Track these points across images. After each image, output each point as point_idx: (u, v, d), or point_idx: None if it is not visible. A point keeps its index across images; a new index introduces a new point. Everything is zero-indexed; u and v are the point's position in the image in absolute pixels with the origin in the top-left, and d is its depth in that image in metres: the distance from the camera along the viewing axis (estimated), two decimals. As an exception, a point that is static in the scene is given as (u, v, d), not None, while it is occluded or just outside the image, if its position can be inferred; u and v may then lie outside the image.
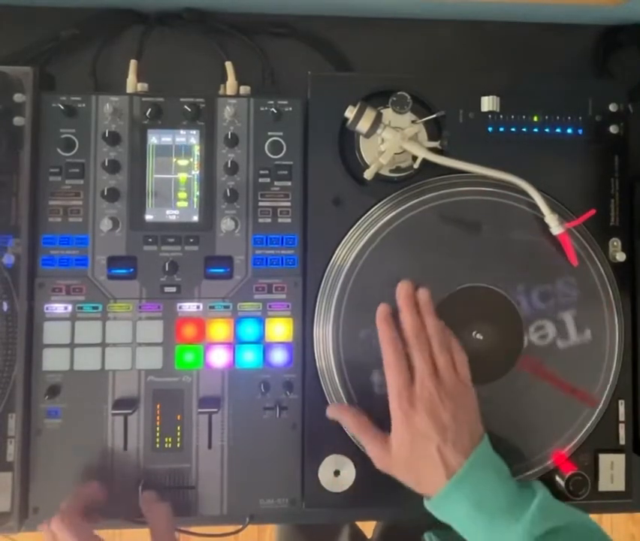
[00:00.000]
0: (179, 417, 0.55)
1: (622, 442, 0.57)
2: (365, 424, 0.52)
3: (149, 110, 0.56)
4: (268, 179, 0.57)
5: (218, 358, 0.55)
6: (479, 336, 0.55)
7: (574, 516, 0.49)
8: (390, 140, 0.54)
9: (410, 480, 0.51)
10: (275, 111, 0.56)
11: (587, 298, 0.56)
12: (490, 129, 0.58)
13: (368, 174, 0.54)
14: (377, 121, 0.53)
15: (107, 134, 0.55)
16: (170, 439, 0.55)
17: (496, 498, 0.47)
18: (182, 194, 0.56)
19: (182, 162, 0.57)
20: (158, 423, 0.55)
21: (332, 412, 0.54)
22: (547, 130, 0.58)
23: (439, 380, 0.50)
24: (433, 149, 0.55)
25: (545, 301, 0.56)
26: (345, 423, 0.53)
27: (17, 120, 0.55)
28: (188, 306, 0.56)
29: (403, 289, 0.54)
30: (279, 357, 0.56)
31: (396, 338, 0.52)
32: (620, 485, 0.56)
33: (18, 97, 0.55)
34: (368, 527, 0.91)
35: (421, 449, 0.49)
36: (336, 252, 0.56)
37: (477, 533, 0.48)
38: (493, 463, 0.50)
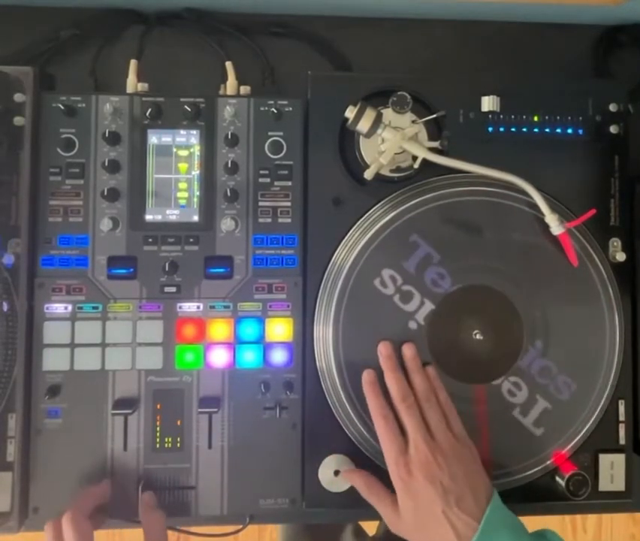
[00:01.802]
0: (179, 417, 0.55)
1: (622, 442, 0.57)
2: (376, 489, 0.52)
3: (149, 110, 0.56)
4: (268, 179, 0.57)
5: (219, 358, 0.55)
6: (479, 337, 0.55)
7: None
8: (391, 140, 0.54)
9: None
10: (275, 111, 0.56)
11: (587, 298, 0.56)
12: (490, 129, 0.58)
13: (368, 174, 0.54)
14: (377, 121, 0.53)
15: (107, 134, 0.55)
16: (170, 439, 0.55)
17: None
18: (182, 195, 0.56)
19: (182, 162, 0.57)
20: (158, 423, 0.55)
21: (345, 476, 0.54)
22: (547, 130, 0.58)
23: (434, 442, 0.49)
24: (433, 149, 0.55)
25: (541, 376, 0.56)
26: (356, 486, 0.53)
27: (17, 120, 0.55)
28: (188, 306, 0.56)
29: (383, 351, 0.54)
30: (279, 357, 0.56)
31: (384, 406, 0.51)
32: (620, 485, 0.56)
33: (18, 97, 0.55)
34: (371, 526, 0.91)
35: (427, 515, 0.48)
36: (336, 252, 0.56)
37: None
38: (506, 523, 0.48)
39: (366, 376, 0.53)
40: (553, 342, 0.56)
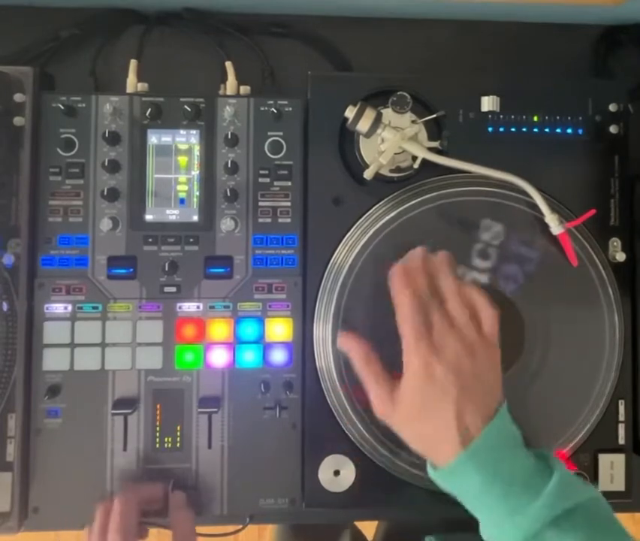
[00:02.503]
0: (179, 417, 0.55)
1: (622, 442, 0.57)
2: (373, 365, 0.47)
3: (149, 110, 0.56)
4: (268, 179, 0.57)
5: (218, 357, 0.55)
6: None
7: (590, 492, 0.45)
8: (390, 140, 0.54)
9: (415, 439, 0.46)
10: (275, 111, 0.56)
11: (587, 298, 0.56)
12: (490, 129, 0.58)
13: (368, 174, 0.54)
14: (377, 121, 0.53)
15: (107, 134, 0.55)
16: (170, 439, 0.55)
17: (515, 471, 0.42)
18: (182, 194, 0.56)
19: (182, 162, 0.57)
20: (158, 423, 0.55)
21: (342, 342, 0.49)
22: (547, 130, 0.58)
23: (461, 335, 0.45)
24: (433, 149, 0.55)
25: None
26: (352, 357, 0.48)
27: (17, 120, 0.55)
28: (188, 306, 0.56)
29: (415, 253, 0.49)
30: (279, 357, 0.56)
31: (413, 291, 0.46)
32: (620, 485, 0.56)
33: (18, 97, 0.55)
34: (369, 531, 0.91)
35: (435, 406, 0.44)
36: (336, 252, 0.56)
37: (491, 508, 0.43)
38: (511, 433, 0.45)
39: (397, 267, 0.48)
40: (552, 342, 0.56)
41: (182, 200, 0.56)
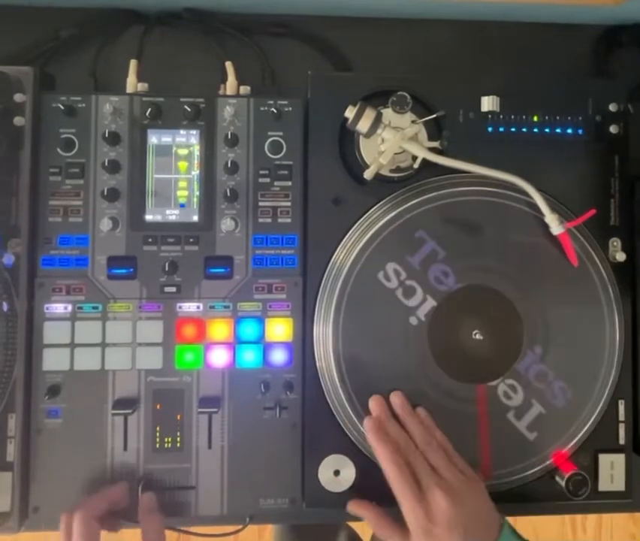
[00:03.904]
0: (179, 417, 0.55)
1: (622, 442, 0.57)
2: (386, 523, 0.52)
3: (149, 110, 0.56)
4: (268, 179, 0.57)
5: (218, 358, 0.55)
6: (479, 337, 0.55)
7: None
8: (390, 140, 0.54)
9: None
10: (275, 111, 0.56)
11: (587, 298, 0.56)
12: (490, 129, 0.58)
13: (368, 174, 0.54)
14: (377, 121, 0.53)
15: (107, 134, 0.55)
16: (170, 439, 0.55)
17: None
18: (182, 194, 0.56)
19: (182, 162, 0.57)
20: (158, 423, 0.55)
21: (352, 508, 0.54)
22: (547, 130, 0.58)
23: (447, 485, 0.49)
24: (433, 149, 0.55)
25: (538, 380, 0.56)
26: (366, 519, 0.53)
27: (17, 120, 0.55)
28: (188, 306, 0.56)
29: (374, 407, 0.54)
30: (279, 357, 0.56)
31: (395, 452, 0.51)
32: (620, 485, 0.56)
33: (18, 97, 0.55)
34: (367, 533, 0.91)
35: None
36: (336, 252, 0.56)
37: None
38: None
39: (368, 423, 0.53)
40: (553, 342, 0.56)
41: (182, 202, 0.56)
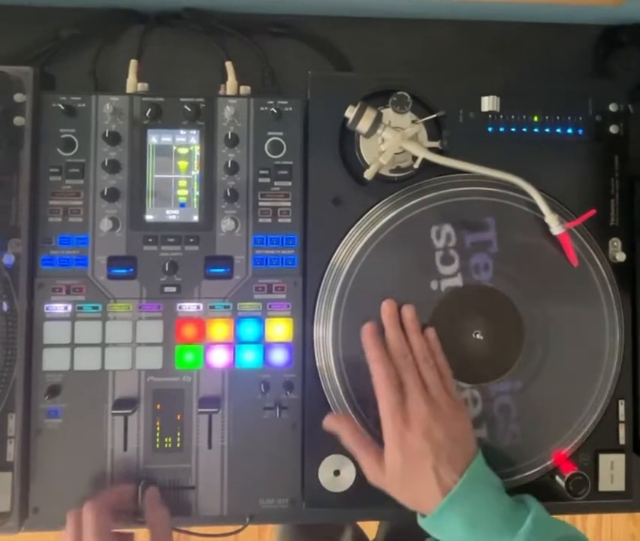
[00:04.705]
0: (179, 417, 0.55)
1: (622, 442, 0.57)
2: (360, 438, 0.52)
3: (149, 110, 0.56)
4: (268, 179, 0.57)
5: (218, 358, 0.55)
6: (479, 336, 0.55)
7: (566, 530, 0.49)
8: (391, 140, 0.54)
9: (405, 499, 0.50)
10: (275, 111, 0.56)
11: (587, 298, 0.56)
12: (490, 129, 0.58)
13: (368, 174, 0.54)
14: (377, 121, 0.53)
15: (107, 134, 0.55)
16: (170, 439, 0.55)
17: (491, 515, 0.47)
18: (183, 194, 0.56)
19: (182, 162, 0.57)
20: (158, 423, 0.55)
21: (329, 423, 0.53)
22: (547, 130, 0.58)
23: (431, 399, 0.50)
24: (433, 149, 0.55)
25: (499, 410, 0.56)
26: (341, 434, 0.52)
27: (17, 120, 0.55)
28: (188, 306, 0.56)
29: (386, 308, 0.54)
30: (279, 357, 0.56)
31: (385, 356, 0.52)
32: (620, 485, 0.56)
33: (18, 97, 0.55)
34: (371, 530, 0.91)
35: (415, 468, 0.49)
36: (336, 252, 0.56)
37: None
38: (487, 479, 0.50)
39: (368, 328, 0.53)
40: (552, 342, 0.56)
41: (182, 202, 0.56)
